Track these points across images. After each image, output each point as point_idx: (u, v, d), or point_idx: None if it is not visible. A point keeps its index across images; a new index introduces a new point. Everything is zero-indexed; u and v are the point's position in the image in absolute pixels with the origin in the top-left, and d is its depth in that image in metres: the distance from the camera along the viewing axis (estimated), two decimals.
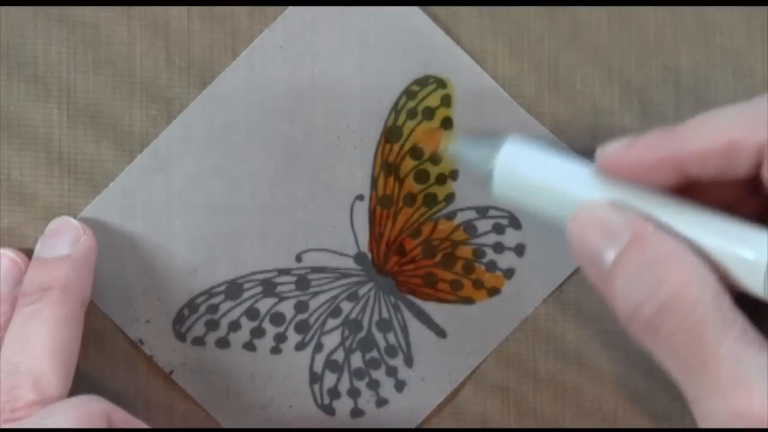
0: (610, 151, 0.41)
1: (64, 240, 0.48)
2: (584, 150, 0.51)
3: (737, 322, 0.36)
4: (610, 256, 0.39)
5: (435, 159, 0.51)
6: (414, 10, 0.50)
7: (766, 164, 0.37)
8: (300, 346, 0.52)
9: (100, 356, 0.50)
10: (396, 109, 0.51)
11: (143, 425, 0.45)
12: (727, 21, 0.52)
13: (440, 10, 0.51)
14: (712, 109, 0.39)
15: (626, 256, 0.38)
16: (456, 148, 0.46)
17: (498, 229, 0.52)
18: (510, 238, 0.52)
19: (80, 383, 0.48)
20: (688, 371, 0.37)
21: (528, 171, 0.42)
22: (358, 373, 0.52)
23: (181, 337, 0.51)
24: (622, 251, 0.38)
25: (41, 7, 0.49)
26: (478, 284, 0.52)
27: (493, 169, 0.43)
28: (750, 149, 0.37)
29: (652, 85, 0.52)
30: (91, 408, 0.43)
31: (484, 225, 0.52)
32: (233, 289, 0.51)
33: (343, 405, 0.52)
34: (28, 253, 0.48)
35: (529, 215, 0.44)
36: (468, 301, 0.52)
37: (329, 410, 0.52)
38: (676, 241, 0.38)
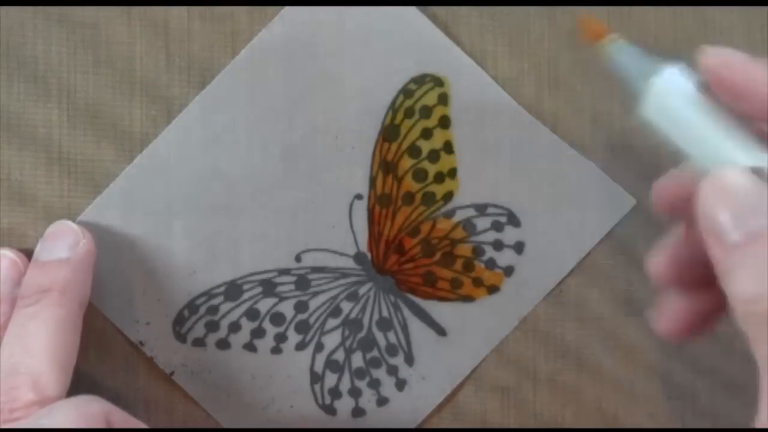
0: (723, 59, 0.39)
1: (63, 243, 0.48)
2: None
3: None
4: (735, 235, 0.35)
5: (430, 157, 0.51)
6: (411, 10, 0.50)
7: None
8: (300, 346, 0.52)
9: (101, 357, 0.50)
10: (393, 108, 0.51)
11: (142, 425, 0.45)
12: (727, 21, 0.52)
13: (440, 10, 0.51)
14: None
15: (760, 243, 0.35)
16: (618, 50, 0.42)
17: (497, 226, 0.52)
18: (509, 235, 0.52)
19: (80, 384, 0.48)
20: None
21: (682, 105, 0.39)
22: (359, 373, 0.52)
23: (182, 338, 0.51)
24: (758, 234, 0.35)
25: (41, 7, 0.49)
26: (477, 282, 0.52)
27: (649, 88, 0.40)
28: None
29: None
30: (90, 408, 0.43)
31: (483, 223, 0.52)
32: (233, 289, 0.51)
33: (345, 405, 0.52)
34: (28, 254, 0.48)
35: (670, 145, 0.40)
36: (468, 299, 0.52)
37: (330, 410, 0.52)
38: None
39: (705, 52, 0.38)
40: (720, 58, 0.38)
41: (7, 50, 0.49)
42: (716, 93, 0.38)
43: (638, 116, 0.40)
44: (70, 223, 0.49)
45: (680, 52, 0.52)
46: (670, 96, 0.39)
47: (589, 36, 0.43)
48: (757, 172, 0.36)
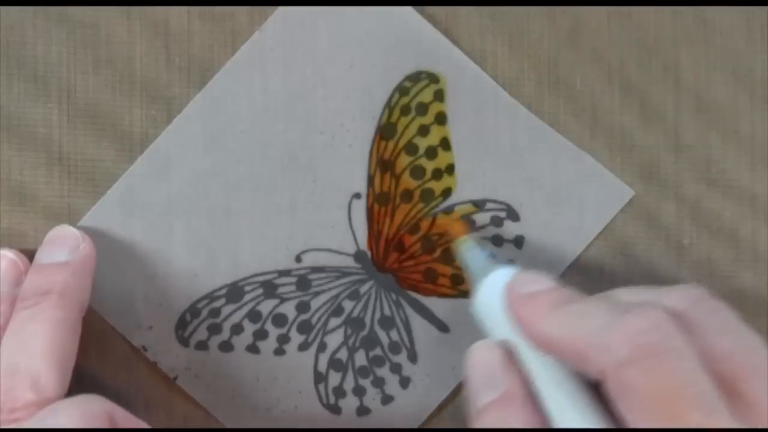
0: (515, 293, 0.43)
1: (63, 248, 0.48)
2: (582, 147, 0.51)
3: None
4: (480, 401, 0.42)
5: (428, 153, 0.52)
6: (405, 9, 0.51)
7: (606, 386, 0.37)
8: (303, 347, 0.52)
9: (102, 357, 0.50)
10: (389, 106, 0.51)
11: (145, 425, 0.45)
12: (727, 21, 0.53)
13: (440, 10, 0.51)
14: (595, 300, 0.40)
15: (486, 410, 0.41)
16: (466, 249, 0.49)
17: (496, 221, 0.52)
18: (508, 230, 0.52)
19: (81, 384, 0.48)
20: None
21: (493, 309, 0.44)
22: (363, 371, 0.52)
23: (184, 342, 0.51)
24: (485, 404, 0.41)
25: (41, 7, 0.49)
26: None
27: (479, 286, 0.45)
28: (594, 368, 0.37)
29: (652, 85, 0.53)
30: (93, 407, 0.42)
31: (482, 218, 0.52)
32: (234, 292, 0.51)
33: (349, 404, 0.52)
34: (29, 254, 0.48)
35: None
36: (469, 294, 0.52)
37: (335, 409, 0.52)
38: (533, 417, 0.40)
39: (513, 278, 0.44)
40: (511, 295, 0.43)
41: (7, 50, 0.49)
42: None
43: (471, 308, 0.45)
44: (70, 227, 0.49)
45: (680, 52, 0.52)
46: (487, 299, 0.45)
47: (452, 232, 0.51)
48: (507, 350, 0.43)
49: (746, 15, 0.53)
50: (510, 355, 0.42)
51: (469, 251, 0.48)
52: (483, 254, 0.47)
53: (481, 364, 0.43)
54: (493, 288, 0.44)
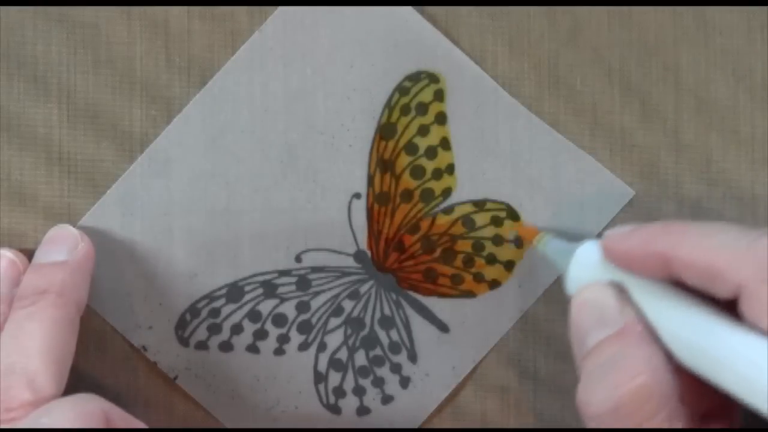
0: (612, 236, 0.43)
1: (61, 247, 0.48)
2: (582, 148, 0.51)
3: None
4: (591, 340, 0.41)
5: (428, 153, 0.52)
6: (406, 9, 0.51)
7: (744, 302, 0.37)
8: (303, 347, 0.52)
9: (101, 357, 0.50)
10: (389, 106, 0.51)
11: (142, 424, 0.45)
12: (727, 21, 0.53)
13: (440, 11, 0.51)
14: (719, 223, 0.40)
15: (603, 346, 0.40)
16: (546, 244, 0.49)
17: (496, 221, 0.52)
18: (509, 230, 0.52)
19: (81, 384, 0.48)
20: None
21: (589, 275, 0.44)
22: (363, 371, 0.52)
23: (184, 342, 0.51)
24: (602, 340, 0.40)
25: (41, 7, 0.49)
26: (478, 277, 0.52)
27: (568, 270, 0.45)
28: (729, 283, 0.37)
29: (652, 85, 0.53)
30: (89, 407, 0.42)
31: (482, 218, 0.52)
32: (234, 292, 0.51)
33: (349, 403, 0.52)
34: (28, 254, 0.48)
35: None
36: (469, 294, 0.52)
37: (335, 409, 0.52)
38: (656, 350, 0.39)
39: (603, 235, 0.43)
40: (610, 241, 0.43)
41: (7, 50, 0.49)
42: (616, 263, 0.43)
43: (566, 292, 0.45)
44: (69, 227, 0.49)
45: (680, 52, 0.52)
46: (580, 270, 0.45)
47: (525, 238, 0.52)
48: (617, 289, 0.42)
49: (746, 15, 0.53)
50: (622, 294, 0.42)
51: (550, 244, 0.49)
52: (562, 242, 0.48)
53: (592, 302, 0.42)
54: (585, 257, 0.44)
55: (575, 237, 0.48)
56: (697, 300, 0.39)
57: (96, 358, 0.50)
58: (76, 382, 0.46)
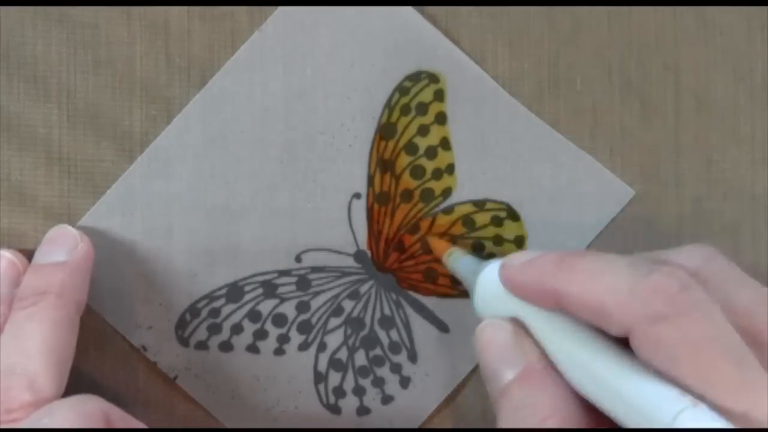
0: (509, 266, 0.42)
1: (61, 247, 0.48)
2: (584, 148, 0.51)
3: None
4: (501, 381, 0.41)
5: (428, 153, 0.52)
6: (407, 9, 0.51)
7: (634, 342, 0.37)
8: (303, 347, 0.52)
9: (101, 357, 0.50)
10: (389, 106, 0.51)
11: (141, 425, 0.45)
12: (727, 21, 0.53)
13: (440, 11, 0.51)
14: (609, 257, 0.39)
15: (510, 389, 0.40)
16: (455, 259, 0.49)
17: (496, 221, 0.52)
18: (509, 230, 0.52)
19: (80, 384, 0.48)
20: None
21: (492, 295, 0.44)
22: (363, 371, 0.52)
23: (184, 342, 0.51)
24: (507, 384, 0.41)
25: (41, 7, 0.49)
26: None
27: (474, 289, 0.45)
28: (617, 325, 0.37)
29: (652, 85, 0.53)
30: (89, 407, 0.42)
31: (482, 218, 0.52)
32: (234, 292, 0.51)
33: (349, 403, 0.52)
34: (28, 254, 0.48)
35: None
36: (469, 295, 0.52)
37: (335, 409, 0.52)
38: (560, 387, 0.39)
39: (501, 263, 0.43)
40: (507, 270, 0.42)
41: (7, 50, 0.49)
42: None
43: (472, 309, 0.45)
44: (68, 227, 0.49)
45: (680, 52, 0.52)
46: (485, 292, 0.44)
47: (437, 251, 0.51)
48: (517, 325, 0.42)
49: (746, 15, 0.53)
50: (520, 330, 0.42)
51: (458, 261, 0.48)
52: (471, 259, 0.48)
53: (492, 342, 0.42)
54: (490, 278, 0.44)
55: (482, 258, 0.48)
56: (595, 333, 0.39)
57: (96, 358, 0.50)
58: (76, 382, 0.46)
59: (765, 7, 0.53)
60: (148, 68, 0.50)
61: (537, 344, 0.41)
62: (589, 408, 0.39)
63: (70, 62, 0.49)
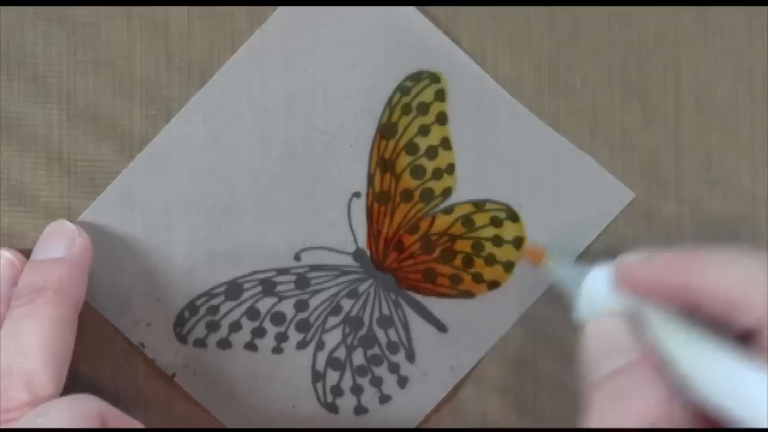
0: (627, 264, 0.42)
1: (59, 243, 0.48)
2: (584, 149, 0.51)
3: None
4: (605, 368, 0.40)
5: (428, 153, 0.52)
6: (409, 9, 0.50)
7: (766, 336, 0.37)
8: (301, 345, 0.52)
9: (101, 357, 0.50)
10: (390, 106, 0.51)
11: (138, 424, 0.45)
12: (727, 21, 0.52)
13: (440, 11, 0.51)
14: (737, 251, 0.39)
15: (618, 376, 0.39)
16: (556, 266, 0.48)
17: (496, 222, 0.52)
18: (508, 231, 0.52)
19: (80, 384, 0.48)
20: None
21: (601, 302, 0.43)
22: (361, 370, 0.52)
23: (183, 339, 0.51)
24: (616, 370, 0.39)
25: (41, 7, 0.49)
26: (477, 278, 0.52)
27: (578, 294, 0.44)
28: (751, 315, 0.37)
29: (652, 85, 0.53)
30: (84, 406, 0.42)
31: (481, 218, 0.52)
32: (233, 289, 0.51)
33: (347, 402, 0.52)
34: (27, 254, 0.48)
35: None
36: (468, 295, 0.52)
37: (332, 408, 0.52)
38: (667, 383, 0.39)
39: (617, 262, 0.42)
40: (628, 269, 0.42)
41: (7, 50, 0.49)
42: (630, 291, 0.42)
43: (575, 319, 0.44)
44: (66, 222, 0.49)
45: (680, 52, 0.52)
46: (590, 296, 0.43)
47: (533, 261, 0.50)
48: (630, 318, 0.41)
49: (746, 15, 0.52)
50: (636, 325, 0.41)
51: (560, 265, 0.48)
52: (572, 265, 0.47)
53: (606, 331, 0.41)
54: (597, 281, 0.43)
55: (581, 253, 0.49)
56: (711, 332, 0.39)
57: (96, 358, 0.50)
58: (75, 382, 0.46)
59: (765, 7, 0.52)
60: (148, 68, 0.50)
61: (651, 341, 0.40)
62: (692, 413, 0.38)
63: (70, 62, 0.49)
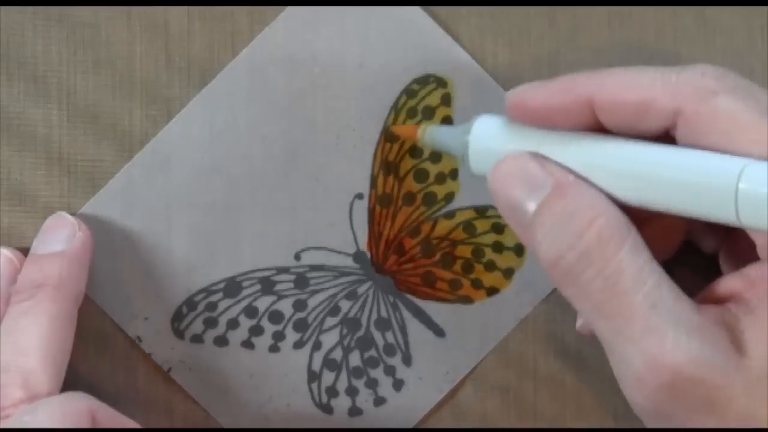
0: (520, 90, 0.42)
1: (59, 236, 0.48)
2: None
3: (654, 273, 0.38)
4: (531, 206, 0.40)
5: (432, 157, 0.51)
6: (415, 10, 0.50)
7: (682, 126, 0.38)
8: (298, 345, 0.52)
9: (100, 356, 0.50)
10: (396, 108, 0.51)
11: (132, 423, 0.44)
12: (727, 21, 0.52)
13: (441, 10, 0.51)
14: (637, 66, 0.41)
15: (548, 206, 0.40)
16: (431, 136, 0.47)
17: (497, 228, 0.52)
18: (509, 237, 0.52)
19: (79, 383, 0.48)
20: (604, 317, 0.39)
21: (493, 142, 0.43)
22: (357, 372, 0.52)
23: (180, 334, 0.51)
24: (544, 201, 0.40)
25: (41, 7, 0.49)
26: (476, 284, 0.52)
27: (466, 150, 0.44)
28: (663, 112, 0.39)
29: None
30: (75, 405, 0.42)
31: (483, 224, 0.52)
32: (232, 286, 0.51)
33: (341, 404, 0.52)
34: (27, 253, 0.48)
35: None
36: (467, 300, 0.52)
37: (327, 409, 0.52)
38: (596, 192, 0.39)
39: (507, 94, 0.43)
40: (518, 95, 0.43)
41: (7, 50, 0.49)
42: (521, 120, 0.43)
43: (472, 173, 0.44)
44: (66, 215, 0.49)
45: (680, 52, 0.52)
46: (481, 144, 0.44)
47: (406, 137, 0.50)
48: (534, 153, 0.41)
49: (746, 15, 0.52)
50: (541, 156, 0.41)
51: (435, 132, 0.47)
52: (448, 127, 0.48)
53: (513, 171, 0.41)
54: (486, 127, 0.44)
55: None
56: (624, 140, 0.40)
57: (95, 358, 0.50)
58: (74, 382, 0.46)
59: (765, 7, 0.52)
60: (148, 68, 0.50)
61: (561, 166, 0.41)
62: (630, 212, 0.40)
63: (70, 62, 0.49)
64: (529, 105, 0.42)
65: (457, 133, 0.45)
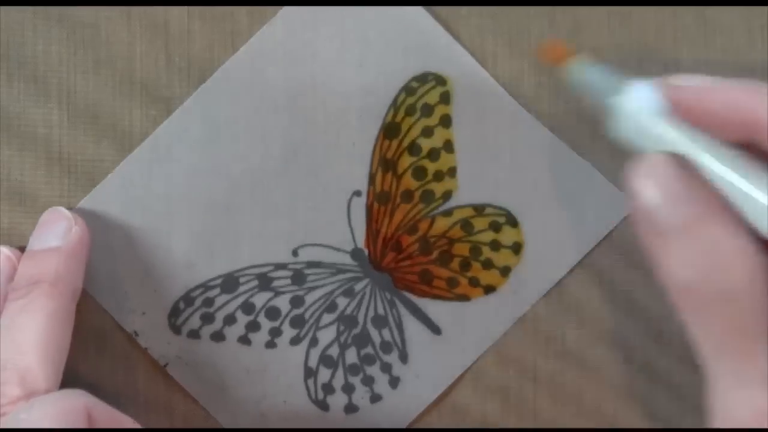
0: (682, 89, 0.38)
1: (55, 231, 0.48)
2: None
3: None
4: (673, 220, 0.36)
5: (430, 155, 0.51)
6: (414, 8, 0.50)
7: None
8: (295, 341, 0.52)
9: (99, 355, 0.51)
10: (395, 105, 0.51)
11: (129, 421, 0.44)
12: (727, 21, 0.52)
13: (441, 10, 0.51)
14: None
15: (692, 229, 0.36)
16: (582, 70, 0.43)
17: (495, 227, 0.52)
18: (507, 236, 0.52)
19: (78, 382, 0.48)
20: (724, 355, 0.35)
21: (653, 122, 0.38)
22: (353, 369, 0.52)
23: (177, 329, 0.51)
24: (688, 222, 0.36)
25: (41, 7, 0.49)
26: (474, 282, 0.52)
27: (614, 106, 0.40)
28: None
29: None
30: (70, 403, 0.42)
31: (480, 223, 0.52)
32: (229, 282, 0.51)
33: (337, 400, 0.52)
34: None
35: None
36: (464, 298, 0.52)
37: (323, 405, 0.52)
38: (745, 227, 0.35)
39: (666, 81, 0.39)
40: (677, 86, 0.38)
41: (7, 50, 0.49)
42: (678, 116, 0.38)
43: (607, 133, 0.40)
44: (62, 209, 0.49)
45: (680, 52, 0.52)
46: (641, 113, 0.39)
47: (551, 58, 0.44)
48: (686, 160, 0.36)
49: (746, 15, 0.52)
50: (692, 165, 0.37)
51: (588, 72, 0.42)
52: (603, 73, 0.42)
53: (664, 175, 0.36)
54: (640, 101, 0.39)
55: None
56: None
57: (94, 357, 0.51)
58: (73, 381, 0.46)
59: (765, 7, 0.52)
60: (148, 68, 0.50)
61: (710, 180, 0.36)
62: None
63: (70, 62, 0.50)
64: (690, 110, 0.38)
65: (610, 87, 0.40)
